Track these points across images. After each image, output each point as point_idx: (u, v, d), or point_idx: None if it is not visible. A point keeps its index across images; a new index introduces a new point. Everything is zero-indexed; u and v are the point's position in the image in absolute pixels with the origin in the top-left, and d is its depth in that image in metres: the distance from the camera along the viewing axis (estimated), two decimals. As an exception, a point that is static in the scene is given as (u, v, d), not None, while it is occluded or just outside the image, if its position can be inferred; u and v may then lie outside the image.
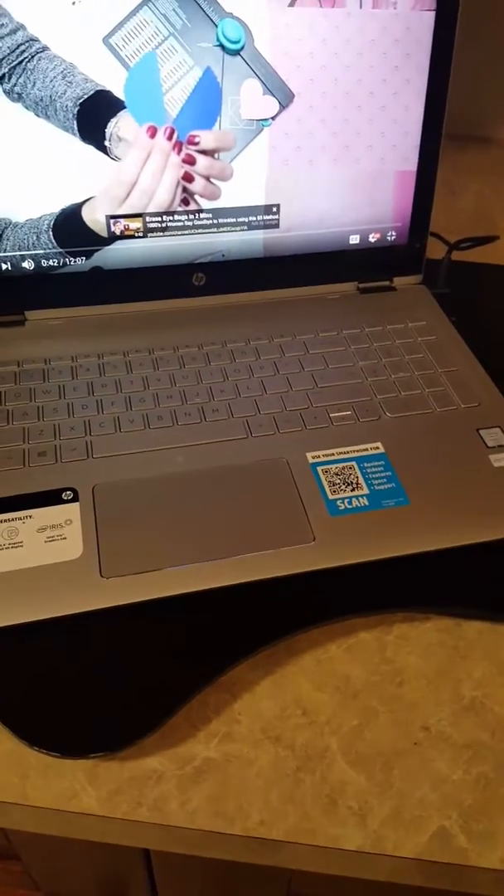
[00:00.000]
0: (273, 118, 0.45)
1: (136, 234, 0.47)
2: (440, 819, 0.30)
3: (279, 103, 0.45)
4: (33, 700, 0.32)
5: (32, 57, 0.40)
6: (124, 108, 0.43)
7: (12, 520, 0.37)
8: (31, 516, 0.37)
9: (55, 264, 0.47)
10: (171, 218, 0.47)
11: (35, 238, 0.46)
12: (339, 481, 0.39)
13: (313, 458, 0.41)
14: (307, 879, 0.44)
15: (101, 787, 0.31)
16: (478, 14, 0.70)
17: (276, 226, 0.49)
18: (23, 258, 0.46)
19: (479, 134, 0.80)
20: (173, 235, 0.47)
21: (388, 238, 0.52)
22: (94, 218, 0.46)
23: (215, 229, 0.48)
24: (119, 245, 0.47)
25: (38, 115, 0.42)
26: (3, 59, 0.40)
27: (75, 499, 0.38)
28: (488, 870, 0.29)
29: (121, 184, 0.45)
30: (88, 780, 0.31)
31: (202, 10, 0.41)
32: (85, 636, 0.34)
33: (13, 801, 0.30)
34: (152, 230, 0.47)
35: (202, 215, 0.47)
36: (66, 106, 0.42)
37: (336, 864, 0.31)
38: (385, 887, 0.40)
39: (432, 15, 0.45)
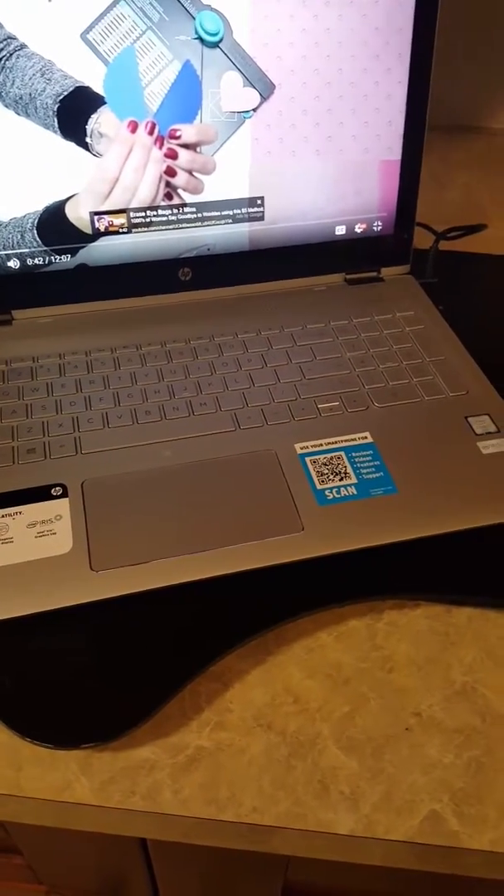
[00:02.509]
0: (254, 110, 0.45)
1: (121, 230, 0.47)
2: (431, 803, 0.31)
3: (260, 95, 0.45)
4: (26, 692, 0.32)
5: (10, 55, 0.40)
6: (104, 103, 0.43)
7: (2, 516, 0.37)
8: (20, 512, 0.37)
9: (41, 263, 0.47)
10: (154, 213, 0.47)
11: (20, 237, 0.46)
12: (327, 471, 0.40)
13: (301, 448, 0.41)
14: (304, 868, 0.44)
15: (94, 778, 0.31)
16: (463, 3, 0.70)
17: (261, 218, 0.49)
18: (8, 257, 0.46)
19: (467, 124, 0.80)
20: (158, 230, 0.48)
21: (375, 228, 0.52)
22: (78, 215, 0.46)
23: (200, 223, 0.48)
24: (104, 242, 0.47)
25: (17, 114, 0.42)
26: (-18, 57, 0.40)
27: (64, 494, 0.38)
28: (479, 851, 0.30)
29: (103, 180, 0.45)
30: (82, 771, 0.31)
31: (179, 2, 0.41)
32: (76, 629, 0.34)
33: (8, 792, 0.31)
34: (137, 226, 0.47)
35: (186, 209, 0.47)
36: (46, 103, 0.42)
37: (329, 849, 0.31)
38: (380, 875, 0.41)
39: (412, 2, 0.45)
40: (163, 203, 0.47)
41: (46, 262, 0.47)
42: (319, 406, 0.44)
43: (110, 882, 0.51)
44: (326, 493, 0.38)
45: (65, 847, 0.47)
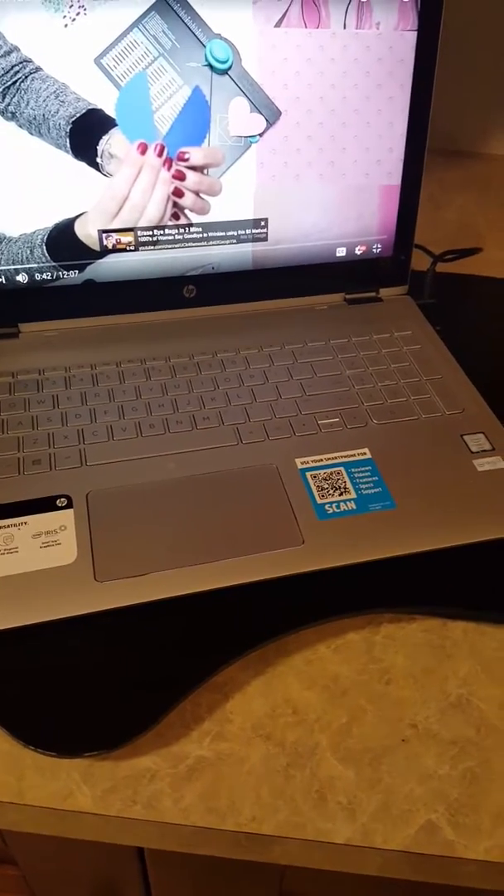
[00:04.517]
0: (260, 135, 0.47)
1: (128, 248, 0.48)
2: (427, 813, 0.31)
3: (266, 120, 0.46)
4: (29, 701, 0.33)
5: (26, 77, 0.42)
6: (116, 125, 0.44)
7: (8, 526, 0.38)
8: (26, 523, 0.38)
9: (49, 277, 0.48)
10: (161, 232, 0.48)
11: (29, 252, 0.47)
12: (327, 486, 0.41)
13: (302, 463, 0.42)
14: (299, 878, 0.45)
15: (95, 786, 0.31)
16: (460, 32, 0.72)
17: (265, 239, 0.50)
18: (17, 272, 0.47)
19: (464, 149, 0.82)
20: (164, 249, 0.49)
21: (374, 250, 0.53)
22: (87, 232, 0.47)
23: (205, 243, 0.49)
24: (111, 258, 0.48)
25: (31, 134, 0.43)
26: (-3, 79, 0.41)
27: (69, 505, 0.39)
28: (474, 861, 0.30)
29: (112, 199, 0.46)
30: (83, 779, 0.32)
31: (191, 31, 0.43)
32: (80, 639, 0.35)
33: (9, 800, 0.31)
34: (144, 244, 0.48)
35: (192, 229, 0.49)
36: (59, 124, 0.43)
37: (326, 859, 0.31)
38: (375, 885, 0.41)
39: (414, 35, 0.46)
40: (170, 223, 0.48)
41: (54, 277, 0.48)
42: (320, 422, 0.45)
43: (104, 892, 0.51)
44: (326, 507, 0.39)
45: (62, 856, 0.47)
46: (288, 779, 0.32)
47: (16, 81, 0.42)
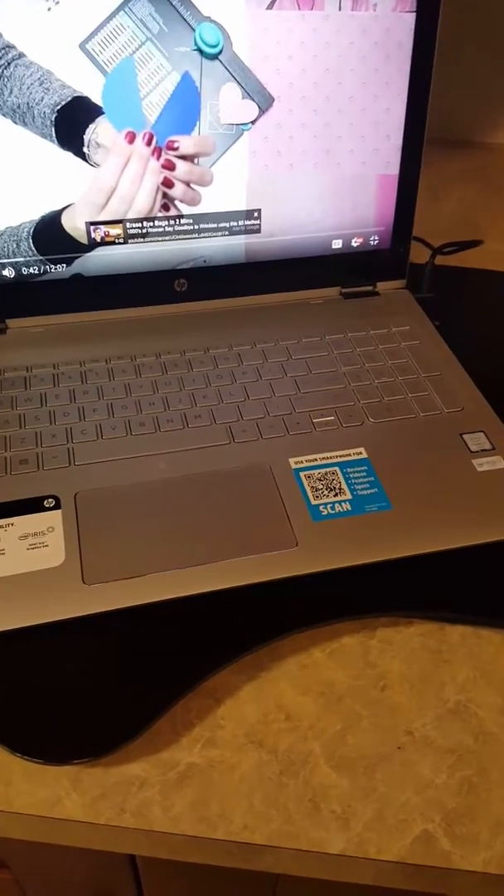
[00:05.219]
0: (252, 122, 0.45)
1: (117, 241, 0.47)
2: (423, 822, 0.30)
3: (258, 107, 0.45)
4: (17, 707, 0.32)
5: (9, 64, 0.40)
6: (102, 113, 0.43)
7: (-6, 529, 0.37)
8: (12, 524, 0.37)
9: (36, 272, 0.47)
10: (151, 224, 0.47)
11: (15, 246, 0.46)
12: (321, 486, 0.40)
13: (296, 463, 0.41)
14: (293, 885, 0.44)
15: (84, 794, 0.31)
16: (462, 18, 0.70)
17: (258, 231, 0.49)
18: (3, 266, 0.46)
19: (464, 138, 0.80)
20: (154, 241, 0.47)
21: (371, 243, 0.52)
22: (74, 225, 0.46)
23: (196, 235, 0.48)
24: (100, 252, 0.47)
25: (15, 123, 0.42)
26: (-20, 66, 0.40)
27: (57, 506, 0.38)
28: (471, 872, 0.30)
29: (100, 190, 0.45)
30: (72, 787, 0.31)
31: (179, 14, 0.41)
32: (68, 643, 0.34)
33: (-4, 809, 0.30)
34: (133, 236, 0.47)
35: (183, 221, 0.47)
36: (44, 113, 0.42)
37: (320, 868, 0.31)
38: (370, 894, 0.40)
39: (413, 16, 0.45)
40: (159, 214, 0.47)
41: (41, 271, 0.47)
42: (314, 420, 0.43)
43: (97, 895, 0.50)
44: (321, 508, 0.38)
45: (54, 861, 0.46)
46: (281, 787, 0.31)
47: (-2, 68, 0.40)
